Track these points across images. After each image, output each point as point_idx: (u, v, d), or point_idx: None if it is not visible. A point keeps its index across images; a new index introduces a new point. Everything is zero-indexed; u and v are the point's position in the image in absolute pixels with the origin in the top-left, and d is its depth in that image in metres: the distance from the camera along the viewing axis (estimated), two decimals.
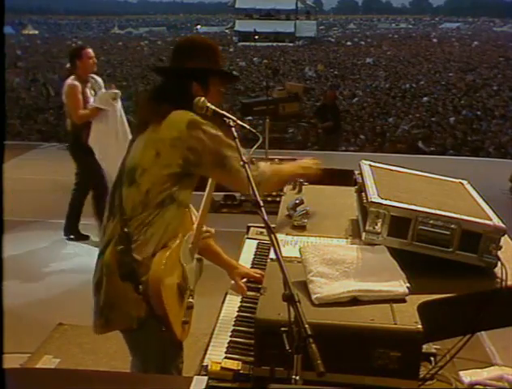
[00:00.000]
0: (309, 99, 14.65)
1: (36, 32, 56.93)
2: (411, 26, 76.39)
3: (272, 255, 1.93)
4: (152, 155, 1.98)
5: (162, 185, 1.99)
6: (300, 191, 2.75)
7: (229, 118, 1.98)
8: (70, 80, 5.05)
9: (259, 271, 2.30)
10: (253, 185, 1.72)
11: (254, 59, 28.11)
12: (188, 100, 2.01)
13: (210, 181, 2.29)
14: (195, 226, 2.21)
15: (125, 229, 1.98)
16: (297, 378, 1.36)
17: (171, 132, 1.97)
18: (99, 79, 5.31)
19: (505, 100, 16.47)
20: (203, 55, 2.14)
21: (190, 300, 2.15)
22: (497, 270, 1.96)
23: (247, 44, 38.48)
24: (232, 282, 2.29)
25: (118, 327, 2.07)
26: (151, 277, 1.93)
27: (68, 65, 5.35)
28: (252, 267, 2.38)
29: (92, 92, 5.15)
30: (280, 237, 2.16)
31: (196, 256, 2.26)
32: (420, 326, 1.62)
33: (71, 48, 6.64)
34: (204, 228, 2.29)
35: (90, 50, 5.21)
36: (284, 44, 40.74)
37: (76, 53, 5.17)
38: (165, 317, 1.95)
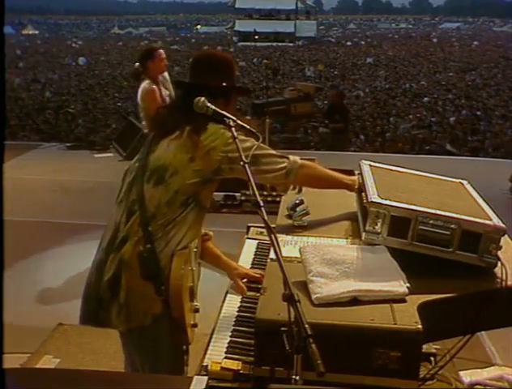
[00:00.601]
0: (319, 99, 14.61)
1: (36, 31, 56.94)
2: (411, 26, 76.41)
3: (272, 255, 1.93)
4: (186, 158, 2.06)
5: (189, 187, 2.06)
6: (300, 191, 2.75)
7: (229, 118, 1.99)
8: (147, 84, 4.97)
9: (259, 271, 2.30)
10: (253, 184, 1.72)
11: (254, 59, 28.11)
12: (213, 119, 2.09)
13: None
14: None
15: (149, 228, 2.02)
16: (297, 378, 1.36)
17: (210, 142, 2.07)
18: (166, 76, 5.24)
19: (505, 100, 16.46)
20: (223, 72, 2.25)
21: (196, 303, 2.16)
22: (497, 270, 1.96)
23: (247, 44, 38.48)
24: (232, 282, 2.29)
25: (134, 323, 2.06)
26: (172, 279, 1.95)
27: (137, 64, 5.21)
28: (252, 267, 2.38)
29: (167, 92, 5.12)
30: (280, 237, 2.16)
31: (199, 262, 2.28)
32: (420, 326, 1.62)
33: (143, 48, 6.44)
34: (203, 231, 2.30)
35: (162, 51, 5.13)
36: (284, 44, 40.73)
37: (148, 54, 5.07)
38: (181, 318, 1.97)
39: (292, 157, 2.21)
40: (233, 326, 2.00)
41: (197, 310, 2.15)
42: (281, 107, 9.74)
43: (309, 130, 11.33)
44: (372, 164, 2.46)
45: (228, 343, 1.90)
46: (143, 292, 2.00)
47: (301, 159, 2.25)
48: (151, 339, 2.07)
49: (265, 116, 10.23)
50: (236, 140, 1.90)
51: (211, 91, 2.17)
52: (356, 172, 2.48)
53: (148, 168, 2.12)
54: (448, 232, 1.95)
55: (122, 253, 2.04)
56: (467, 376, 2.70)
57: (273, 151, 2.19)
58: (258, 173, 2.07)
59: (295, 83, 12.54)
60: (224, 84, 2.23)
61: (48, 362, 3.35)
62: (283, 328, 1.37)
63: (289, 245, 2.17)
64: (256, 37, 34.38)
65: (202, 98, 2.03)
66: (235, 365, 1.73)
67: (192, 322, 2.09)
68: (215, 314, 2.10)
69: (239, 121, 2.02)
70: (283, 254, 1.52)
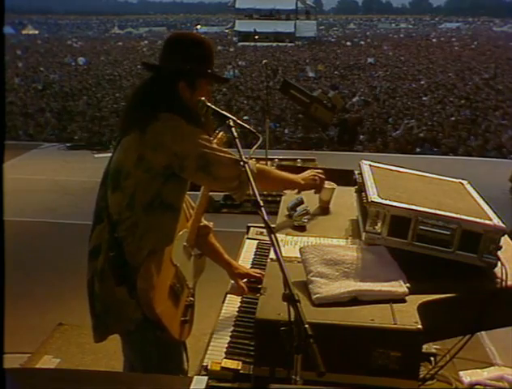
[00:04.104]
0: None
1: (36, 31, 56.94)
2: (411, 26, 76.39)
3: (272, 255, 1.93)
4: (135, 158, 1.95)
5: (147, 188, 1.95)
6: (300, 191, 2.75)
7: (229, 118, 1.98)
8: None
9: (259, 271, 2.30)
10: (253, 184, 1.72)
11: (254, 59, 28.10)
12: (173, 99, 1.99)
13: None
14: (189, 224, 2.21)
15: (115, 234, 1.96)
16: (297, 378, 1.36)
17: (155, 137, 1.93)
18: None
19: (505, 100, 16.46)
20: (194, 53, 2.05)
21: (190, 298, 2.15)
22: (497, 270, 1.96)
23: (247, 44, 38.49)
24: (233, 282, 2.29)
25: (117, 330, 2.06)
26: (139, 285, 1.92)
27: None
28: (252, 267, 2.38)
29: None
30: (280, 237, 2.16)
31: (196, 252, 2.26)
32: (420, 326, 1.62)
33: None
34: (202, 224, 2.28)
35: None
36: (284, 44, 40.73)
37: None
38: (158, 321, 1.95)
39: (251, 165, 1.98)
40: (233, 326, 2.00)
41: (190, 306, 2.14)
42: (304, 99, 9.58)
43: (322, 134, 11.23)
44: (372, 164, 2.46)
45: (228, 343, 1.90)
46: (120, 297, 1.96)
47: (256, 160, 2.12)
48: (139, 343, 2.05)
49: (286, 95, 10.16)
50: (237, 140, 1.90)
51: (177, 72, 2.03)
52: (356, 172, 2.48)
53: (110, 173, 2.04)
54: (448, 233, 1.95)
55: (97, 261, 2.01)
56: (467, 376, 2.71)
57: (226, 155, 2.00)
58: (207, 179, 2.00)
59: (329, 91, 12.41)
60: (192, 68, 2.03)
61: (48, 362, 3.35)
62: (283, 328, 1.37)
63: (289, 245, 2.17)
64: (256, 37, 34.35)
65: (203, 98, 2.02)
66: (235, 365, 1.73)
67: (182, 319, 2.08)
68: (215, 314, 2.09)
69: (239, 121, 2.01)
70: (283, 254, 1.52)
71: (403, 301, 1.76)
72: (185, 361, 2.17)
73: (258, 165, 2.08)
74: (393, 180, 2.34)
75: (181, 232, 2.12)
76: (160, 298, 1.96)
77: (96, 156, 9.05)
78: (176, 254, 2.07)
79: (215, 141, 2.30)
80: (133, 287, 1.93)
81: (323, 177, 2.43)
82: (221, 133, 2.34)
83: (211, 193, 2.39)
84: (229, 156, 2.00)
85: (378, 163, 2.51)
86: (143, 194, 1.96)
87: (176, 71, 2.03)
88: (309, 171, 2.44)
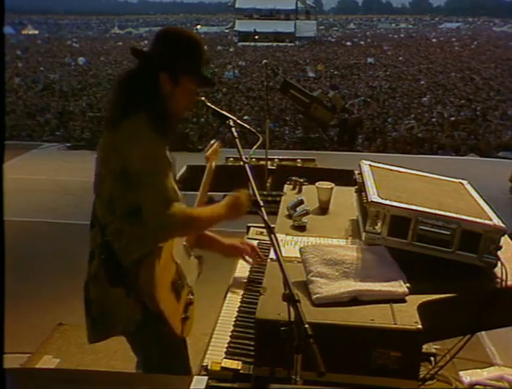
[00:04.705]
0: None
1: (36, 31, 56.94)
2: (411, 26, 76.41)
3: (272, 255, 1.93)
4: (103, 160, 1.93)
5: (118, 193, 1.88)
6: (300, 191, 2.76)
7: (229, 118, 1.98)
8: None
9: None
10: (254, 184, 1.72)
11: (254, 59, 28.11)
12: (152, 90, 1.93)
13: (204, 179, 2.29)
14: None
15: (106, 238, 1.95)
16: (297, 378, 1.36)
17: (120, 140, 1.86)
18: None
19: (505, 100, 16.47)
20: (182, 48, 1.97)
21: (190, 296, 2.15)
22: (497, 270, 1.96)
23: (247, 44, 38.52)
24: (235, 277, 2.29)
25: (117, 332, 2.06)
26: (141, 277, 1.90)
27: None
28: (252, 268, 2.37)
29: None
30: (280, 237, 2.16)
31: (196, 254, 2.27)
32: (420, 326, 1.62)
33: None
34: None
35: None
36: (284, 44, 40.76)
37: None
38: (161, 314, 1.95)
39: (177, 208, 1.83)
40: (233, 326, 1.99)
41: (190, 303, 2.14)
42: (304, 99, 9.57)
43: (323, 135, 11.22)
44: (372, 164, 2.46)
45: (228, 343, 1.90)
46: (117, 299, 1.96)
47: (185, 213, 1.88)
48: (141, 343, 2.06)
49: (286, 95, 10.13)
50: (237, 140, 1.90)
51: (161, 62, 1.95)
52: (356, 172, 2.48)
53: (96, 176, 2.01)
54: (448, 232, 1.95)
55: (91, 267, 2.02)
56: (467, 376, 2.71)
57: (164, 187, 1.83)
58: (134, 197, 1.83)
59: (329, 91, 12.41)
60: (178, 62, 1.94)
61: (48, 362, 3.35)
62: (283, 328, 1.37)
63: (289, 245, 2.17)
64: (256, 37, 34.42)
65: (203, 98, 2.02)
66: (235, 365, 1.73)
67: (183, 316, 2.08)
68: (215, 314, 2.09)
69: (239, 122, 2.01)
70: (283, 254, 1.52)
71: (403, 301, 1.76)
72: (189, 358, 2.17)
73: (184, 215, 1.87)
74: (393, 180, 2.34)
75: None
76: (162, 292, 1.96)
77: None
78: (176, 252, 2.08)
79: (209, 151, 2.31)
80: (130, 286, 1.93)
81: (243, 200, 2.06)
82: (216, 143, 2.34)
83: (210, 193, 2.39)
84: (165, 194, 1.83)
85: (378, 163, 2.51)
86: (119, 200, 1.89)
87: (160, 61, 1.95)
88: (227, 197, 2.12)
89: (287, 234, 2.28)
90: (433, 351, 2.43)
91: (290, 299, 1.39)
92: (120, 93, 1.99)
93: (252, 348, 1.74)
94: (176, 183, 1.96)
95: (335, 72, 24.06)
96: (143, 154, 1.83)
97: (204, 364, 1.79)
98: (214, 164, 2.35)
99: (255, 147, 1.99)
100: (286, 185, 2.83)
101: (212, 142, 2.37)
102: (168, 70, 1.94)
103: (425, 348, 2.29)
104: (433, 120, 13.62)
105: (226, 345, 1.89)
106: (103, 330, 2.04)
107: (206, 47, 2.06)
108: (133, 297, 1.94)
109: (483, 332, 3.26)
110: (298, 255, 1.96)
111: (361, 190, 2.28)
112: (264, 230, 1.83)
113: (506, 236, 2.04)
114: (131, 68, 2.08)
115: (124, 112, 1.89)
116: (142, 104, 1.90)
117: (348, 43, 42.19)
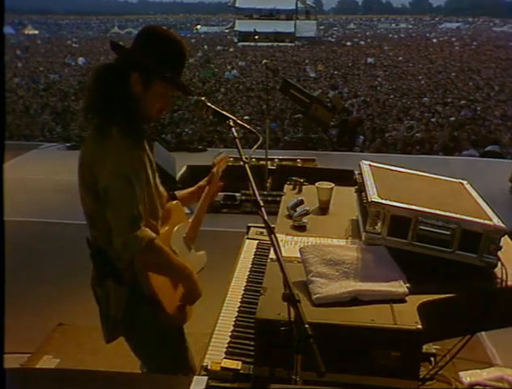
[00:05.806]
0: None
1: (36, 31, 57.01)
2: (411, 26, 76.49)
3: (272, 255, 1.93)
4: (79, 176, 2.14)
5: (96, 210, 2.01)
6: (300, 191, 2.76)
7: (229, 118, 1.98)
8: None
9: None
10: (254, 185, 1.72)
11: (254, 59, 28.11)
12: (123, 90, 1.90)
13: (203, 198, 2.32)
14: (191, 219, 2.23)
15: (94, 234, 2.06)
16: (297, 378, 1.36)
17: (102, 154, 1.93)
18: None
19: (505, 100, 16.47)
20: (156, 50, 1.90)
21: None
22: (497, 270, 1.96)
23: (247, 44, 38.54)
24: (232, 279, 2.30)
25: (121, 326, 2.08)
26: (136, 256, 1.84)
27: None
28: (252, 268, 2.37)
29: None
30: (280, 237, 2.16)
31: (200, 252, 2.29)
32: (420, 326, 1.61)
33: None
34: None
35: None
36: (284, 44, 40.78)
37: None
38: (154, 295, 1.95)
39: (144, 232, 1.82)
40: (233, 326, 1.99)
41: None
42: (304, 99, 9.58)
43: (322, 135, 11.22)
44: (372, 164, 2.46)
45: (228, 343, 1.90)
46: (104, 290, 2.01)
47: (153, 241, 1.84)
48: (138, 338, 2.09)
49: (286, 94, 10.13)
50: (237, 140, 1.90)
51: (135, 62, 1.91)
52: (356, 172, 2.48)
53: None
54: (448, 232, 1.95)
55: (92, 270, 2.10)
56: (467, 376, 2.71)
57: (133, 203, 1.83)
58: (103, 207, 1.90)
59: (329, 91, 12.44)
60: (150, 63, 1.89)
61: (48, 362, 3.34)
62: (283, 328, 1.37)
63: (289, 245, 2.17)
64: (256, 37, 34.37)
65: (203, 98, 2.02)
66: (235, 365, 1.73)
67: (180, 303, 2.08)
68: (215, 314, 2.09)
69: (239, 122, 2.01)
70: (283, 254, 1.52)
71: (403, 301, 1.76)
72: (189, 350, 2.18)
73: (150, 241, 1.83)
74: (393, 180, 2.34)
75: (178, 225, 2.14)
76: (159, 278, 1.97)
77: None
78: (174, 241, 2.08)
79: (218, 158, 2.33)
80: (119, 275, 1.95)
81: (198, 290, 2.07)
82: (223, 153, 2.36)
83: None
84: (133, 212, 1.82)
85: (378, 163, 2.51)
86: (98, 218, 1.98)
87: (132, 61, 1.92)
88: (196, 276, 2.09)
89: (287, 234, 2.28)
90: (433, 351, 2.43)
91: (290, 299, 1.39)
92: (95, 86, 1.96)
93: (252, 348, 1.74)
94: (157, 180, 2.03)
95: (335, 72, 24.06)
96: (111, 169, 1.87)
97: (204, 364, 1.78)
98: (220, 170, 2.37)
99: (255, 147, 1.99)
100: (286, 186, 2.83)
101: (221, 151, 2.41)
102: (140, 71, 1.90)
103: (425, 348, 2.29)
104: (433, 120, 13.63)
105: (226, 345, 1.89)
106: (113, 328, 2.09)
107: (182, 47, 1.97)
108: (123, 282, 1.96)
109: (483, 332, 3.26)
110: (298, 255, 1.96)
111: (361, 190, 2.28)
112: (264, 230, 1.82)
113: (506, 236, 2.04)
114: (110, 62, 2.04)
115: (96, 110, 1.94)
116: (114, 102, 1.90)
117: (348, 43, 42.23)
